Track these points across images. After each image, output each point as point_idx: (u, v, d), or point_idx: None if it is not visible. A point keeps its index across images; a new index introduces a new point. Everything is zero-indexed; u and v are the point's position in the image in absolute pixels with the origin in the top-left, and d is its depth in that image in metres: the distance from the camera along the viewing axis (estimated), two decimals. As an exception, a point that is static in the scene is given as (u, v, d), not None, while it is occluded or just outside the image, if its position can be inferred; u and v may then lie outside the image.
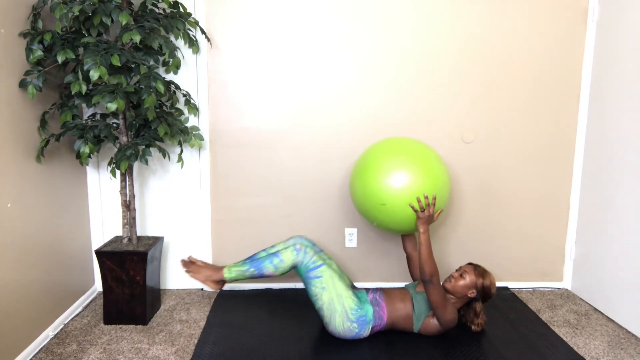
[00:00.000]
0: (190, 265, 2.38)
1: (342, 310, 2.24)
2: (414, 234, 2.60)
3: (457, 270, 2.35)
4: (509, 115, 2.85)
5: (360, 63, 2.76)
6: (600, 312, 2.70)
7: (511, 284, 3.03)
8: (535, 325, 2.51)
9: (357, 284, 2.99)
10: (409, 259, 2.58)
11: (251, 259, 2.40)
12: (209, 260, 2.90)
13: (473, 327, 2.37)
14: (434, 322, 2.29)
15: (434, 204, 2.23)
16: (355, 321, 2.25)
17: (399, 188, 2.23)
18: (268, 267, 2.28)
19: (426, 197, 2.20)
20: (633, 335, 2.45)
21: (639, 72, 2.41)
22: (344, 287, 2.27)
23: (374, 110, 2.81)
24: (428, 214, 2.21)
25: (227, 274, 2.32)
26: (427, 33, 2.75)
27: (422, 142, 2.43)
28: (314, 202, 2.88)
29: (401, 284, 3.00)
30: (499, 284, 3.03)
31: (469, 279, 2.29)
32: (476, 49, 2.78)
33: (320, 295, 2.25)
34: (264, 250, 2.56)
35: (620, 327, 2.53)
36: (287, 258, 2.27)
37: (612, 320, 2.60)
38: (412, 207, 2.22)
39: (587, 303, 2.82)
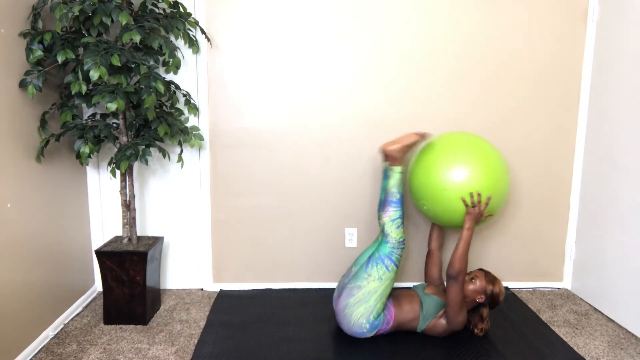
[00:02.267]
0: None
1: (371, 307, 2.25)
2: (443, 232, 2.64)
3: (467, 274, 2.36)
4: (509, 115, 2.85)
5: (360, 63, 2.76)
6: (600, 312, 2.70)
7: (511, 284, 3.03)
8: (535, 325, 2.51)
9: (357, 284, 2.99)
10: (429, 256, 2.60)
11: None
12: (209, 261, 2.90)
13: (476, 331, 2.38)
14: (441, 322, 2.30)
15: (487, 204, 2.26)
16: (370, 324, 2.27)
17: (463, 180, 2.26)
18: (391, 215, 2.30)
19: (479, 195, 2.23)
20: (633, 335, 2.45)
21: (639, 72, 2.41)
22: (388, 294, 2.29)
23: (374, 110, 2.81)
24: (478, 211, 2.24)
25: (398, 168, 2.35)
26: (427, 33, 2.75)
27: (499, 152, 2.45)
28: (314, 202, 2.88)
29: (401, 284, 2.99)
30: (499, 284, 3.03)
31: (479, 284, 2.30)
32: (476, 49, 2.78)
33: (371, 279, 2.25)
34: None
35: (620, 327, 2.53)
36: (397, 234, 2.29)
37: (612, 320, 2.60)
38: (464, 201, 2.25)
39: (587, 303, 2.82)
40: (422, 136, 2.38)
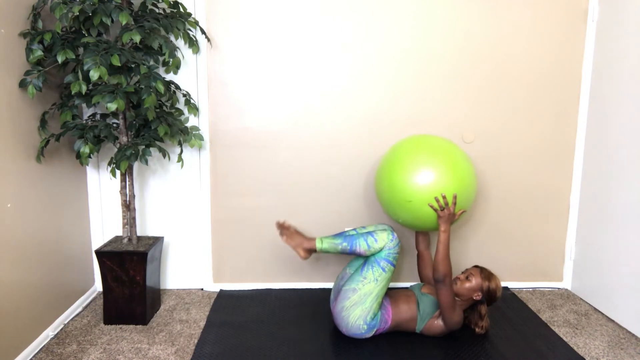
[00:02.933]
0: (284, 229, 2.37)
1: (367, 309, 2.24)
2: (428, 233, 2.61)
3: (463, 273, 2.35)
4: (509, 115, 2.85)
5: (361, 63, 2.76)
6: (600, 312, 2.70)
7: (511, 284, 3.03)
8: (535, 325, 2.51)
9: (357, 284, 2.99)
10: (419, 258, 2.59)
11: (342, 234, 2.37)
12: (209, 261, 2.90)
13: (477, 330, 2.38)
14: (438, 323, 2.29)
15: (455, 203, 2.24)
16: (367, 324, 2.27)
17: (426, 185, 2.23)
18: (361, 245, 2.25)
19: (444, 197, 2.21)
20: (633, 335, 2.45)
21: (639, 72, 2.41)
22: (384, 294, 2.29)
23: (374, 110, 2.81)
24: (449, 213, 2.22)
25: (318, 244, 2.30)
26: (427, 33, 2.75)
27: (450, 141, 2.44)
28: (314, 202, 2.88)
29: (402, 284, 2.99)
30: (499, 284, 3.03)
31: (475, 281, 2.29)
32: (476, 49, 2.78)
33: (366, 282, 2.24)
34: (354, 229, 2.52)
35: (620, 327, 2.53)
36: (382, 239, 2.23)
37: (612, 320, 2.60)
38: (432, 207, 2.24)
39: (587, 303, 2.82)
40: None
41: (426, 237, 2.60)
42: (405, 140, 2.46)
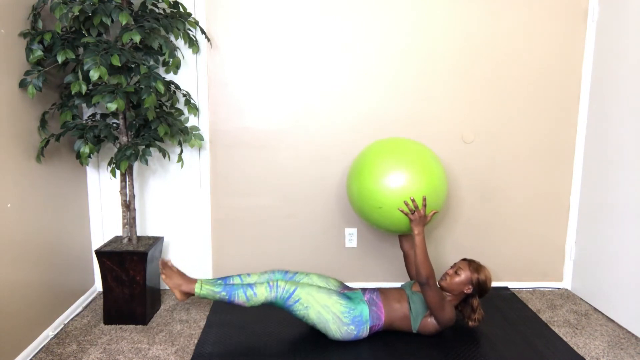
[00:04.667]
0: (165, 267, 2.31)
1: (333, 317, 2.22)
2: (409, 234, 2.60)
3: (451, 267, 2.34)
4: (509, 115, 2.85)
5: (361, 63, 2.76)
6: (600, 312, 2.70)
7: (511, 284, 3.03)
8: (535, 325, 2.51)
9: (357, 284, 2.99)
10: (405, 258, 2.58)
11: (224, 282, 2.35)
12: (209, 261, 2.90)
13: (470, 323, 2.36)
14: (431, 321, 2.28)
15: (425, 205, 2.22)
16: (351, 323, 2.24)
17: (394, 189, 2.22)
18: (240, 297, 2.22)
19: (413, 200, 2.20)
20: (633, 335, 2.45)
21: (638, 72, 2.41)
22: (326, 296, 2.24)
23: (374, 110, 2.81)
24: (420, 216, 2.21)
25: (197, 289, 2.25)
26: (427, 33, 2.75)
27: (417, 142, 2.42)
28: (314, 202, 2.88)
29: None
30: (499, 284, 3.03)
31: (464, 275, 2.28)
32: (476, 49, 2.78)
33: (307, 314, 2.23)
34: (239, 276, 2.47)
35: (620, 327, 2.53)
36: (261, 293, 2.21)
37: (612, 320, 2.60)
38: (402, 211, 2.22)
39: (587, 303, 2.82)
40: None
41: (409, 237, 2.57)
42: (370, 145, 2.45)
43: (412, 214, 2.21)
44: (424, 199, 2.21)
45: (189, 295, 2.30)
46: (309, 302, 2.22)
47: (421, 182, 2.22)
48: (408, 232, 2.37)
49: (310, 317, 2.23)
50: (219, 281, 2.32)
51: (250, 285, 2.24)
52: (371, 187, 2.27)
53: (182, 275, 2.30)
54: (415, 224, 2.22)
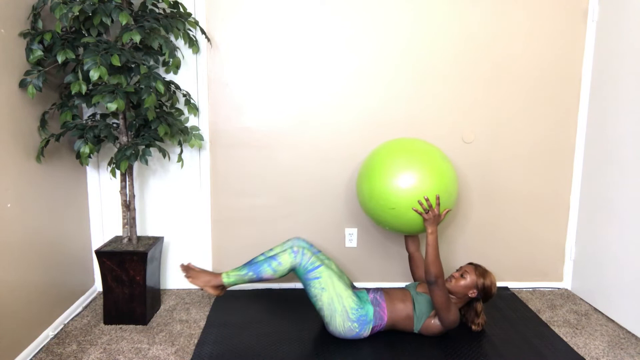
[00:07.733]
0: (189, 270, 2.35)
1: (342, 310, 2.24)
2: (417, 235, 2.60)
3: (457, 271, 2.35)
4: (509, 115, 2.85)
5: (361, 63, 2.76)
6: (600, 312, 2.70)
7: (511, 284, 3.03)
8: (535, 325, 2.51)
9: (358, 284, 2.99)
10: (411, 259, 2.58)
11: (249, 263, 2.39)
12: (209, 261, 2.90)
13: (473, 327, 2.38)
14: (435, 322, 2.29)
15: (439, 204, 2.23)
16: (356, 321, 2.25)
17: (406, 189, 2.23)
18: (266, 271, 2.26)
19: (427, 200, 2.21)
20: (633, 335, 2.45)
21: (639, 72, 2.41)
22: (344, 287, 2.27)
23: (374, 110, 2.81)
24: (434, 215, 2.22)
25: (225, 278, 2.29)
26: (427, 33, 2.75)
27: (426, 142, 2.43)
28: (314, 202, 2.88)
29: (402, 284, 3.00)
30: (499, 284, 3.03)
31: (469, 279, 2.29)
32: (476, 49, 2.78)
33: (320, 295, 2.25)
34: (262, 254, 2.55)
35: (620, 327, 2.53)
36: (285, 261, 2.25)
37: (612, 320, 2.60)
38: (416, 211, 2.23)
39: (587, 303, 2.82)
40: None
41: (415, 238, 2.59)
42: (380, 147, 2.46)
43: (426, 213, 2.22)
44: (438, 198, 2.23)
45: (222, 287, 2.33)
46: (327, 284, 2.25)
47: (433, 181, 2.23)
48: (420, 232, 2.38)
49: (322, 300, 2.25)
50: (244, 265, 2.35)
51: (273, 257, 2.28)
52: (383, 189, 2.28)
53: (206, 272, 2.34)
54: (429, 223, 2.23)
